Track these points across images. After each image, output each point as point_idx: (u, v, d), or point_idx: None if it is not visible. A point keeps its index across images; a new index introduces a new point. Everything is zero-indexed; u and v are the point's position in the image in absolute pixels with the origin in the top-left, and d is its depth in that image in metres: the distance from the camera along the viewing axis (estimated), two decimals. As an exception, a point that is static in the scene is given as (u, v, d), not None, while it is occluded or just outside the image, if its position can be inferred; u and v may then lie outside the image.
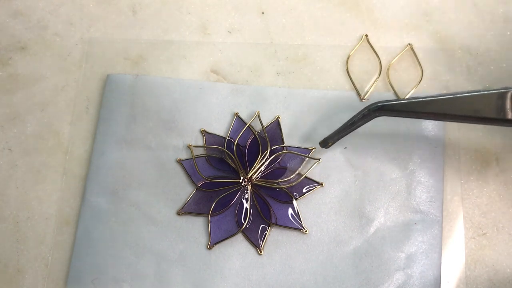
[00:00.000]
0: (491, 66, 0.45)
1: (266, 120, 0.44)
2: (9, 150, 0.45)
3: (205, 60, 0.47)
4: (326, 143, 0.41)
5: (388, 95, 0.45)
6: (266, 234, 0.41)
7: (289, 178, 0.42)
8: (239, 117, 0.44)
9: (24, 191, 0.44)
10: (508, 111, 0.34)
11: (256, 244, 0.41)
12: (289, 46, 0.47)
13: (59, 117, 0.46)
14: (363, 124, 0.37)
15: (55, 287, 0.42)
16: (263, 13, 0.48)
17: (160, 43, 0.47)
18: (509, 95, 0.34)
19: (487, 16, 0.46)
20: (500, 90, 0.34)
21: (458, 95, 0.34)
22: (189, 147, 0.43)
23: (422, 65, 0.45)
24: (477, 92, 0.34)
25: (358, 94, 0.44)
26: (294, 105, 0.44)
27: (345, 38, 0.47)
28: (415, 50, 0.46)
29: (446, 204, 0.42)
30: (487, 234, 0.41)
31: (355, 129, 0.37)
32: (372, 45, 0.46)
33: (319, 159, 0.42)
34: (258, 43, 0.47)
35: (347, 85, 0.45)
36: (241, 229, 0.41)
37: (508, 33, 0.46)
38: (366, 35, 0.46)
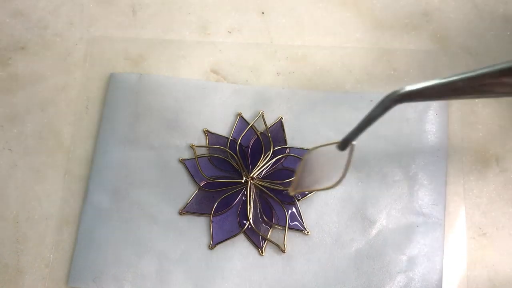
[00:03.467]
0: (491, 66, 0.45)
1: (269, 120, 0.44)
2: (9, 150, 0.45)
3: (205, 60, 0.47)
4: (345, 144, 0.34)
5: None
6: (267, 235, 0.41)
7: (292, 179, 0.42)
8: (242, 117, 0.44)
9: (24, 191, 0.44)
10: None
11: (257, 244, 0.41)
12: (289, 46, 0.47)
13: (59, 117, 0.46)
14: (384, 113, 0.32)
15: (55, 287, 0.42)
16: (263, 13, 0.48)
17: (160, 43, 0.47)
18: None
19: (487, 16, 0.46)
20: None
21: (481, 72, 0.30)
22: (191, 147, 0.43)
23: (422, 65, 0.45)
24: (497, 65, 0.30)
25: None
26: (297, 106, 0.44)
27: (345, 38, 0.47)
28: (415, 50, 0.46)
29: (447, 205, 0.42)
30: (487, 234, 0.41)
31: (375, 121, 0.33)
32: (372, 45, 0.46)
33: None
34: (258, 43, 0.47)
35: (347, 85, 0.45)
36: (243, 230, 0.41)
37: (508, 33, 0.46)
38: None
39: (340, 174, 0.36)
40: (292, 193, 0.40)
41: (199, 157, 0.43)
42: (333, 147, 0.35)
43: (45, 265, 0.42)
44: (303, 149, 0.43)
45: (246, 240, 0.42)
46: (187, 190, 0.43)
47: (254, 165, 0.43)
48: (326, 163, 0.37)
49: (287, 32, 0.47)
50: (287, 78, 0.46)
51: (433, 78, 0.44)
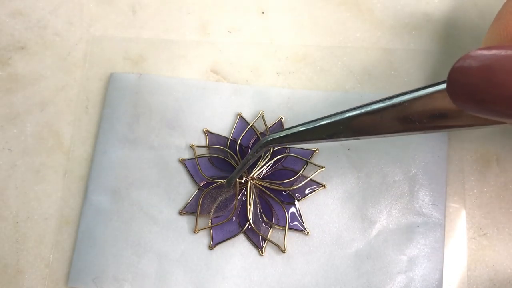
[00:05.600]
0: (491, 66, 0.45)
1: (269, 121, 0.44)
2: (9, 150, 0.45)
3: (205, 60, 0.47)
4: (230, 183, 0.41)
5: None
6: (267, 235, 0.41)
7: (292, 179, 0.42)
8: (242, 118, 0.44)
9: (24, 191, 0.44)
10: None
11: (257, 245, 0.41)
12: (289, 46, 0.47)
13: (59, 117, 0.46)
14: (257, 157, 0.38)
15: (55, 287, 0.42)
16: (263, 13, 0.48)
17: (160, 43, 0.47)
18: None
19: (488, 16, 0.46)
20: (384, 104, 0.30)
21: (343, 116, 0.32)
22: (191, 147, 0.43)
23: (423, 65, 0.45)
24: (363, 108, 0.31)
25: None
26: (297, 106, 0.44)
27: (345, 38, 0.47)
28: (416, 50, 0.46)
29: (447, 205, 0.42)
30: (488, 234, 0.41)
31: (251, 163, 0.38)
32: (373, 45, 0.46)
33: (323, 167, 0.42)
34: (258, 43, 0.47)
35: (347, 85, 0.45)
36: (243, 230, 0.41)
37: (508, 33, 0.46)
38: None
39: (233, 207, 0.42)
40: (197, 232, 0.42)
41: (199, 157, 0.43)
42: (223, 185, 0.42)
43: (45, 265, 0.42)
44: (303, 149, 0.43)
45: (246, 240, 0.41)
46: (187, 190, 0.43)
47: (254, 165, 0.43)
48: (221, 198, 0.43)
49: (287, 32, 0.47)
50: (287, 78, 0.46)
51: (433, 78, 0.45)
